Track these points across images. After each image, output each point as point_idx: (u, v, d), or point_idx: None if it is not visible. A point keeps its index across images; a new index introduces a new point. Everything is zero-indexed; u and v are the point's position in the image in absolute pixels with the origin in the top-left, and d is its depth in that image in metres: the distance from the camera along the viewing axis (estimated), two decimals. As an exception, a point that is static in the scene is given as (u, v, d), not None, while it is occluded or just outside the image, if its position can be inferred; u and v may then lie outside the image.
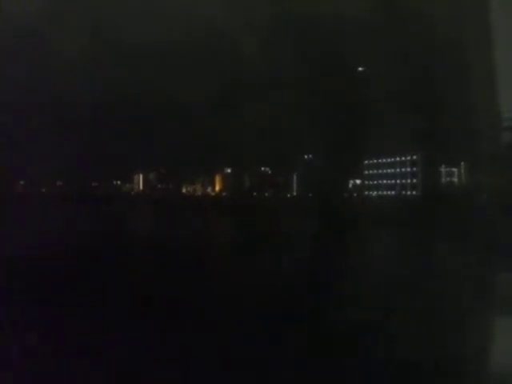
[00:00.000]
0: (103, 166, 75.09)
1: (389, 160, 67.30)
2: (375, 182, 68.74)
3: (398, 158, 66.93)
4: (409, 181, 65.75)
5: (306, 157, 73.42)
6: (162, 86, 70.19)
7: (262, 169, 77.72)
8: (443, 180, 67.12)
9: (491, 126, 60.75)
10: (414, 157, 64.50)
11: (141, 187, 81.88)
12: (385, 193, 67.38)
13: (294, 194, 72.24)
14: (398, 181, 66.66)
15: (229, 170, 79.25)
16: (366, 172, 69.66)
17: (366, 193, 68.46)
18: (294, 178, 73.70)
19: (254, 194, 72.88)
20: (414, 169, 64.99)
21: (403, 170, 66.26)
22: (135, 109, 73.56)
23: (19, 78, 61.74)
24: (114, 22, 64.94)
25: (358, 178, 71.07)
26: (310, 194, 67.05)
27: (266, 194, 72.68)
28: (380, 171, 68.41)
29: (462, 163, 66.73)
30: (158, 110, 74.11)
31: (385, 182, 67.99)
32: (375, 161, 69.18)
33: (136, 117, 74.48)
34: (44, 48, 65.85)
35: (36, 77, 65.69)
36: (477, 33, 58.20)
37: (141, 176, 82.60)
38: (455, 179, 66.94)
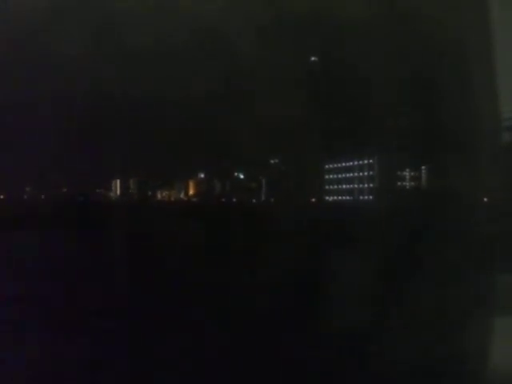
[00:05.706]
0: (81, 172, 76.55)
1: (351, 163, 68.32)
2: (336, 187, 70.12)
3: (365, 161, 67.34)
4: (367, 185, 66.68)
5: (272, 161, 75.19)
6: (140, 92, 71.19)
7: (235, 174, 79.70)
8: (407, 184, 67.78)
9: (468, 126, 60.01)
10: (371, 160, 64.88)
11: (118, 193, 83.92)
12: (342, 198, 68.76)
13: (263, 198, 74.20)
14: (357, 185, 67.74)
15: (202, 175, 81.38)
16: (328, 176, 71.07)
17: (327, 198, 70.08)
18: (263, 182, 75.62)
19: (223, 199, 74.92)
20: (371, 172, 65.72)
21: (365, 173, 67.04)
22: (113, 114, 74.65)
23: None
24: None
25: (320, 183, 72.69)
26: (273, 200, 68.84)
27: (235, 200, 74.71)
28: (342, 175, 69.69)
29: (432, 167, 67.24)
30: (135, 115, 75.49)
31: (344, 186, 69.35)
32: (343, 164, 70.07)
33: (112, 122, 75.73)
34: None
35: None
36: (474, 30, 56.49)
37: (118, 182, 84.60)
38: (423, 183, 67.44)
